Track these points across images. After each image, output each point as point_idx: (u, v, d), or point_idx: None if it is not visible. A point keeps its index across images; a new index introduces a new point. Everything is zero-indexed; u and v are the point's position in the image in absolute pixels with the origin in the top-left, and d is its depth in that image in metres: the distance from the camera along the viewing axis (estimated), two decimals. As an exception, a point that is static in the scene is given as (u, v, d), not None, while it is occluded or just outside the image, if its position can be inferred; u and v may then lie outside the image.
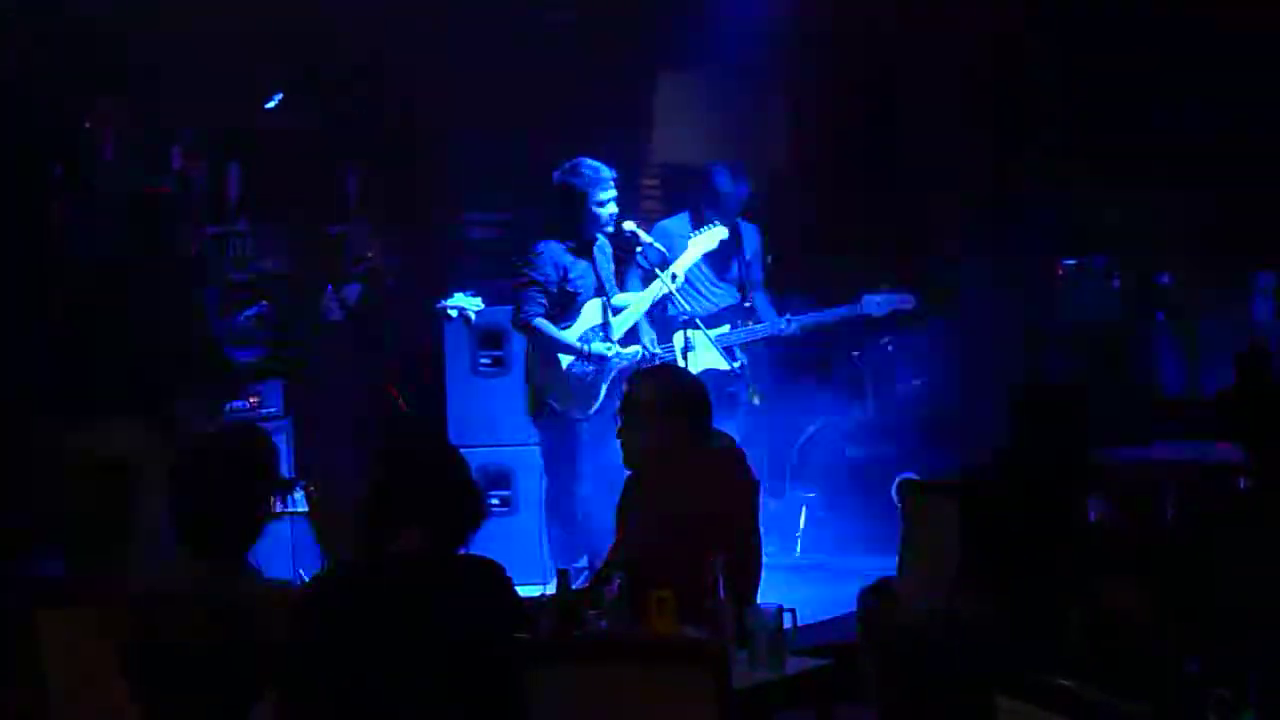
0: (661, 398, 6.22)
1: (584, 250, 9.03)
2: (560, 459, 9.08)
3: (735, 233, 9.82)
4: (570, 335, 8.91)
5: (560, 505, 9.07)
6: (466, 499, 4.80)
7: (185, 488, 5.18)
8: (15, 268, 8.38)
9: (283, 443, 8.61)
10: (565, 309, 9.00)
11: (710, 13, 11.40)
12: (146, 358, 8.42)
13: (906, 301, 9.88)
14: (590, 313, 9.03)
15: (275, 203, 10.40)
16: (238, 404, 8.52)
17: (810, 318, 9.86)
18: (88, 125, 9.37)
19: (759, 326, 9.65)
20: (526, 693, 4.59)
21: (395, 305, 10.15)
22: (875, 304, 9.85)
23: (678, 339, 9.03)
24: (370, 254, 11.00)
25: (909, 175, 11.36)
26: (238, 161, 10.36)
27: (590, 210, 8.93)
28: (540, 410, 9.02)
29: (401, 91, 10.89)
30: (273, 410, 9.05)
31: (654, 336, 9.29)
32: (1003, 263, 11.04)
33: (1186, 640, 5.35)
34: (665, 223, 10.03)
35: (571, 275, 8.97)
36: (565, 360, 8.92)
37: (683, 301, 9.12)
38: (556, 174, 8.97)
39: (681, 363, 8.89)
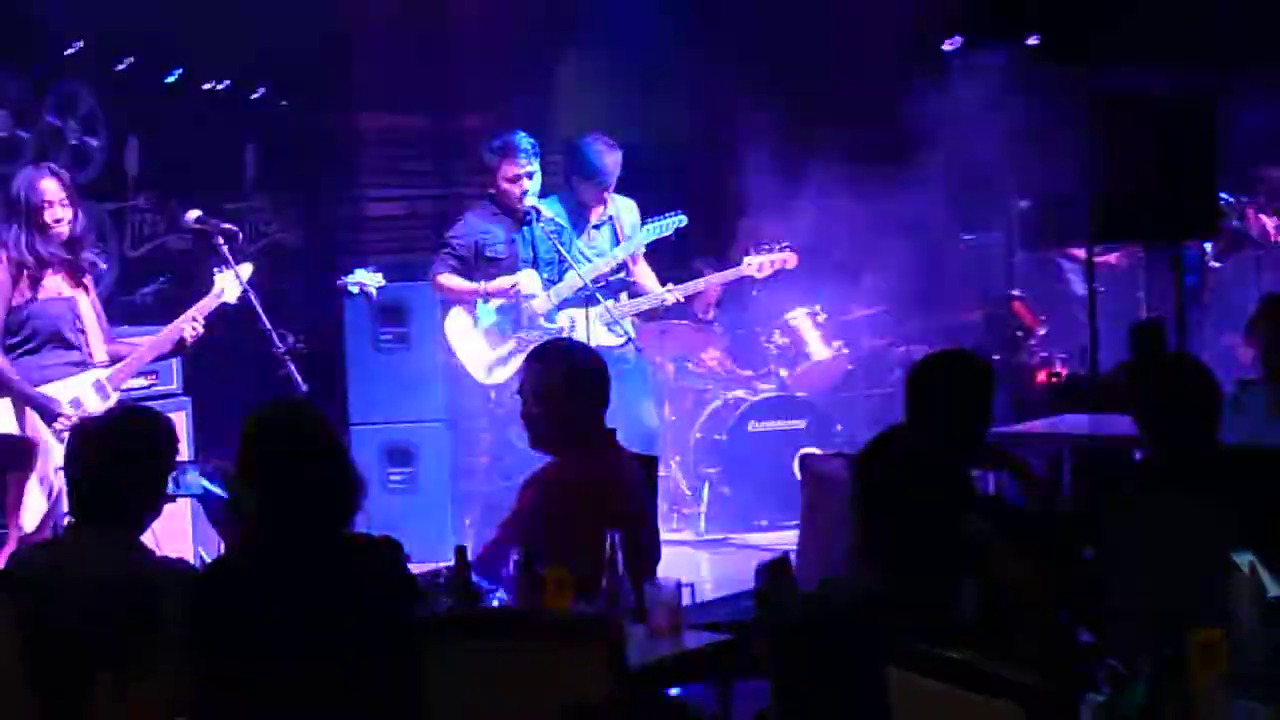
0: (564, 374, 6.18)
1: (507, 219, 9.07)
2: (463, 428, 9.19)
3: (609, 206, 9.78)
4: (482, 283, 9.00)
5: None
6: (339, 480, 4.70)
7: (78, 464, 5.16)
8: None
9: (182, 422, 8.54)
10: (491, 276, 9.09)
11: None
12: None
13: (786, 261, 9.83)
14: (522, 281, 9.06)
15: (175, 178, 10.30)
16: (135, 383, 8.43)
17: (691, 284, 9.85)
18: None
19: (641, 299, 9.62)
20: (423, 671, 4.58)
21: (295, 281, 10.09)
22: (756, 264, 9.80)
23: (562, 317, 9.08)
24: (270, 229, 10.94)
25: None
26: (137, 135, 10.25)
27: (498, 180, 8.99)
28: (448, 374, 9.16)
29: (303, 64, 10.80)
30: (170, 387, 8.96)
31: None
32: (906, 234, 11.07)
33: (1077, 611, 5.39)
34: (539, 202, 9.99)
35: (489, 242, 9.03)
36: (483, 319, 8.98)
37: (580, 275, 9.10)
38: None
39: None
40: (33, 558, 5.52)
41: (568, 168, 9.78)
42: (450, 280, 9.09)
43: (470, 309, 9.15)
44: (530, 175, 9.06)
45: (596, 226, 9.71)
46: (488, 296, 9.05)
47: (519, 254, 9.14)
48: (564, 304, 9.17)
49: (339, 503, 4.65)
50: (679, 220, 9.49)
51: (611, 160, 9.59)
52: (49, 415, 7.66)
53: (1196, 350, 9.29)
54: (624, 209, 9.81)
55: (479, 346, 9.10)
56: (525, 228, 9.13)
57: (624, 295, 9.52)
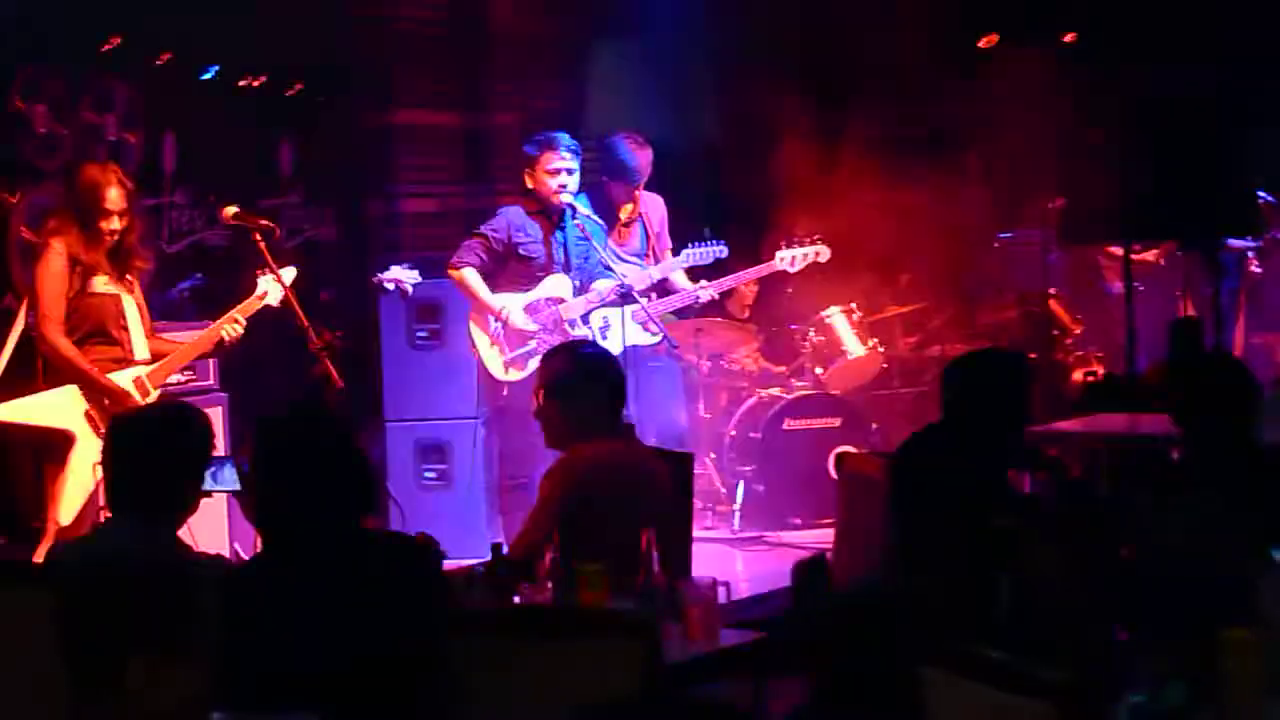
0: (569, 372, 6.22)
1: (545, 219, 9.07)
2: (496, 426, 9.18)
3: (640, 204, 9.79)
4: (505, 298, 8.94)
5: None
6: (351, 482, 4.67)
7: (116, 458, 5.18)
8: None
9: (218, 417, 8.56)
10: (522, 275, 9.05)
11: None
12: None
13: (820, 254, 9.82)
14: (551, 285, 9.05)
15: (211, 174, 10.34)
16: (172, 378, 8.45)
17: (725, 280, 9.85)
18: (18, 102, 9.30)
19: (674, 296, 9.62)
20: (451, 671, 4.57)
21: (331, 278, 10.12)
22: (789, 259, 9.79)
23: (596, 317, 9.09)
24: (305, 227, 10.97)
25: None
26: (173, 132, 10.28)
27: (538, 177, 8.98)
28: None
29: (338, 62, 10.84)
30: (207, 383, 8.99)
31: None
32: (941, 233, 11.06)
33: (1113, 610, 5.38)
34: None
35: (524, 239, 9.02)
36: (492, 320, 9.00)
37: (619, 275, 9.13)
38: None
39: (602, 341, 8.93)
40: (70, 550, 5.54)
41: (598, 166, 9.79)
42: (471, 278, 9.05)
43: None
44: (570, 172, 9.05)
45: (626, 224, 9.73)
46: (500, 319, 9.00)
47: (554, 256, 9.14)
48: (604, 301, 9.16)
49: (346, 503, 4.61)
50: (719, 249, 9.48)
51: (643, 158, 9.60)
52: (121, 401, 7.67)
53: (1233, 349, 9.26)
54: (652, 206, 9.83)
55: (499, 344, 9.07)
56: (559, 230, 9.12)
57: (653, 294, 9.53)
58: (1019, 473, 7.02)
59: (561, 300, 9.09)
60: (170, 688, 4.78)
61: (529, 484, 8.86)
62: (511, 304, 9.03)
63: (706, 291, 9.60)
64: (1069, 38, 12.02)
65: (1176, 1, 11.26)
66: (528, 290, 9.08)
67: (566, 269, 9.13)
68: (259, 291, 8.00)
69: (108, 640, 4.88)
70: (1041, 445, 7.07)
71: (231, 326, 7.95)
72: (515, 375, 9.04)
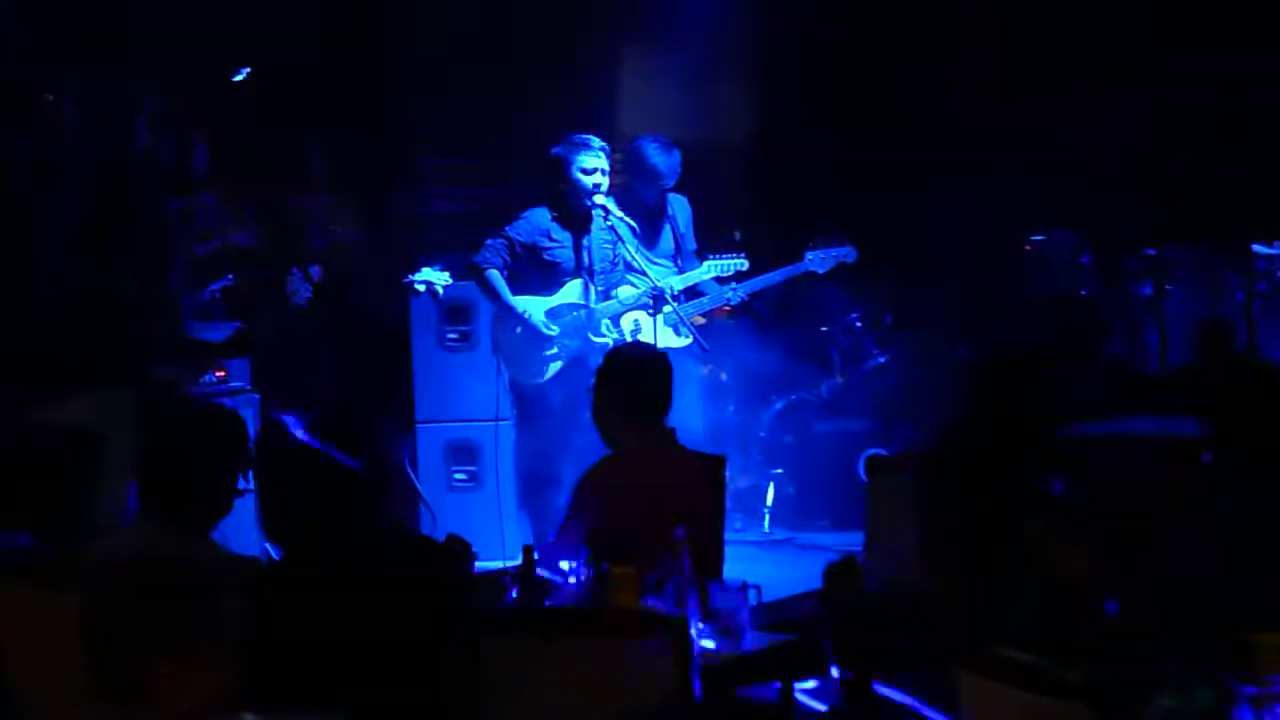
0: (598, 378, 6.27)
1: (572, 223, 9.05)
2: (523, 428, 9.16)
3: (666, 206, 9.79)
4: (527, 301, 8.93)
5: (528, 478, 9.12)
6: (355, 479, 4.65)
7: (150, 457, 5.18)
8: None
9: (250, 418, 8.58)
10: (544, 278, 9.04)
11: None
12: (116, 331, 8.39)
13: (848, 255, 9.81)
14: (573, 290, 9.05)
15: (240, 176, 10.36)
16: (205, 378, 8.48)
17: (754, 282, 9.84)
18: (49, 98, 9.32)
19: (704, 299, 9.62)
20: (477, 674, 4.58)
21: (360, 279, 10.12)
22: (818, 260, 9.78)
23: (626, 320, 9.08)
24: (335, 228, 10.98)
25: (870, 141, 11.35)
26: (203, 134, 10.31)
27: (572, 178, 8.96)
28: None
29: (367, 62, 10.86)
30: (240, 385, 9.02)
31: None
32: (970, 236, 11.06)
33: (1144, 612, 5.37)
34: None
35: (549, 244, 9.00)
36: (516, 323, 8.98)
37: (653, 277, 9.15)
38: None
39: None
40: (100, 547, 5.55)
41: (626, 168, 9.79)
42: (495, 279, 8.98)
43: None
44: (605, 172, 9.04)
45: (654, 228, 9.74)
46: (523, 323, 9.00)
47: (581, 261, 9.12)
48: (629, 306, 9.16)
49: (352, 503, 4.60)
50: (740, 264, 9.46)
51: (671, 160, 9.59)
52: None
53: (1265, 351, 9.24)
54: (678, 208, 9.84)
55: (523, 347, 9.03)
56: (585, 235, 9.11)
57: (682, 296, 9.54)
58: (1048, 474, 7.01)
59: (584, 305, 9.08)
60: (198, 690, 4.78)
61: (554, 482, 8.90)
62: (533, 307, 9.00)
63: (736, 293, 9.59)
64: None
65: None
66: (549, 294, 9.06)
67: (590, 275, 9.12)
68: (288, 290, 8.02)
69: (135, 641, 4.89)
70: (1072, 446, 7.04)
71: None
72: (538, 379, 9.03)
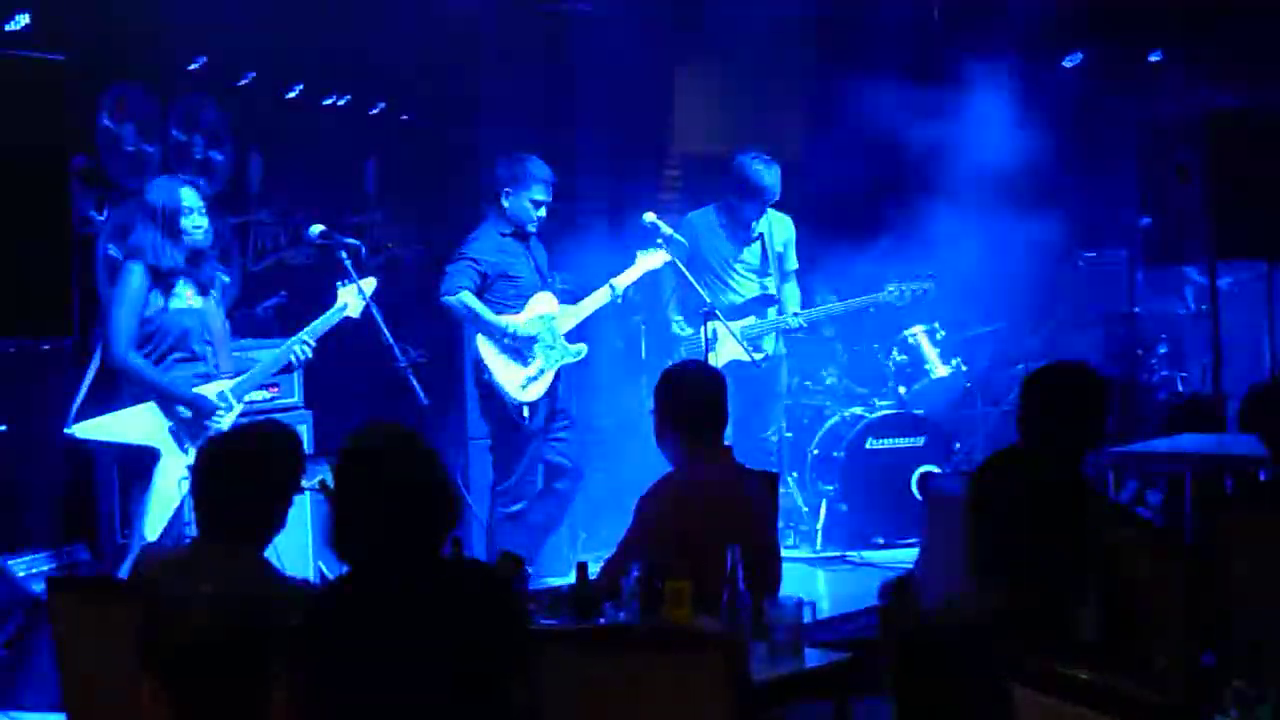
0: (663, 390, 6.25)
1: (521, 238, 9.05)
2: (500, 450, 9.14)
3: (765, 223, 9.87)
4: (508, 320, 8.90)
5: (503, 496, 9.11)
6: (436, 501, 4.61)
7: (207, 479, 5.16)
8: (43, 263, 8.35)
9: (303, 434, 8.59)
10: (508, 294, 9.03)
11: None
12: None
13: (928, 291, 9.89)
14: (541, 303, 9.03)
15: (296, 192, 10.40)
16: (258, 394, 8.50)
17: (820, 310, 9.92)
18: (106, 119, 9.37)
19: (766, 321, 9.70)
20: (535, 694, 4.55)
21: (415, 295, 10.12)
22: (898, 293, 9.87)
23: (702, 332, 9.08)
24: (390, 244, 11.00)
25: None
26: (259, 151, 10.35)
27: (522, 202, 8.98)
28: (482, 391, 9.04)
29: (422, 80, 10.89)
30: (292, 400, 9.04)
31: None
32: (1029, 253, 11.05)
33: (1204, 632, 5.33)
34: (692, 215, 10.08)
35: (507, 261, 9.00)
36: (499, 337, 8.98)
37: (705, 293, 9.18)
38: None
39: (712, 357, 8.93)
40: (157, 570, 5.54)
41: (727, 185, 9.84)
42: (471, 301, 8.91)
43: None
44: (548, 205, 9.05)
45: (748, 243, 9.79)
46: (512, 336, 8.96)
47: (540, 272, 9.12)
48: (697, 319, 9.17)
49: (430, 526, 4.57)
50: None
51: (771, 176, 9.68)
52: (204, 412, 7.73)
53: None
54: (778, 226, 9.90)
55: (512, 366, 8.98)
56: (527, 249, 9.10)
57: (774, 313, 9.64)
58: (1104, 490, 6.99)
59: (553, 314, 9.06)
60: (250, 712, 4.78)
61: (567, 493, 8.96)
62: (513, 323, 8.95)
63: (798, 319, 9.70)
64: (1154, 56, 11.96)
65: (1263, 18, 11.18)
66: (516, 309, 9.02)
67: (543, 284, 9.11)
68: (338, 304, 8.05)
69: (190, 662, 4.89)
70: (1131, 463, 7.02)
71: (302, 347, 8.00)
72: (534, 394, 8.96)
